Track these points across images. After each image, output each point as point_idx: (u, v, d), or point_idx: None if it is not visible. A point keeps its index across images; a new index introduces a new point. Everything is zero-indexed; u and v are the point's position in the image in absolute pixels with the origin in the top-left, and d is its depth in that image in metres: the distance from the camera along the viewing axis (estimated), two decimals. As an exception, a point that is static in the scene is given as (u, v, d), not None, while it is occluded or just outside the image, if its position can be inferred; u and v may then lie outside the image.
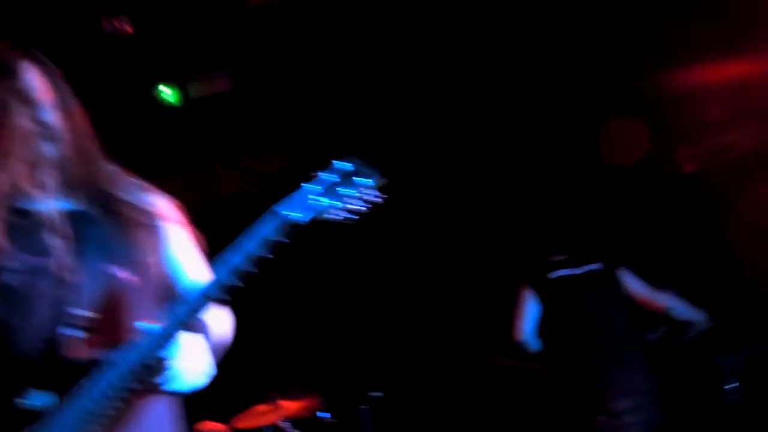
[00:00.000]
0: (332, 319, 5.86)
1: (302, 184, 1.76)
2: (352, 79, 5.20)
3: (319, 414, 5.03)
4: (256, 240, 1.70)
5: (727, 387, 4.81)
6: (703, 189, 5.43)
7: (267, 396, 4.91)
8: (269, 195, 1.82)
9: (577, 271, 4.31)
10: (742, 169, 5.31)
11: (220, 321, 1.96)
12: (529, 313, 4.30)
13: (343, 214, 1.75)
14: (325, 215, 1.74)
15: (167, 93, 5.32)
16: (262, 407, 4.92)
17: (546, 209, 4.96)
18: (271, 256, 1.72)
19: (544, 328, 4.35)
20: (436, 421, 5.90)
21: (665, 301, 4.40)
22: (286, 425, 4.88)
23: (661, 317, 4.63)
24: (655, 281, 4.52)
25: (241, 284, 1.72)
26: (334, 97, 5.31)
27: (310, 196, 1.73)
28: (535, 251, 4.55)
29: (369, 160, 1.78)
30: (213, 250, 1.83)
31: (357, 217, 1.75)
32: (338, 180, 1.73)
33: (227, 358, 1.98)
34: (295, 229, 1.74)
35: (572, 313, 4.22)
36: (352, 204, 1.74)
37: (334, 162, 1.77)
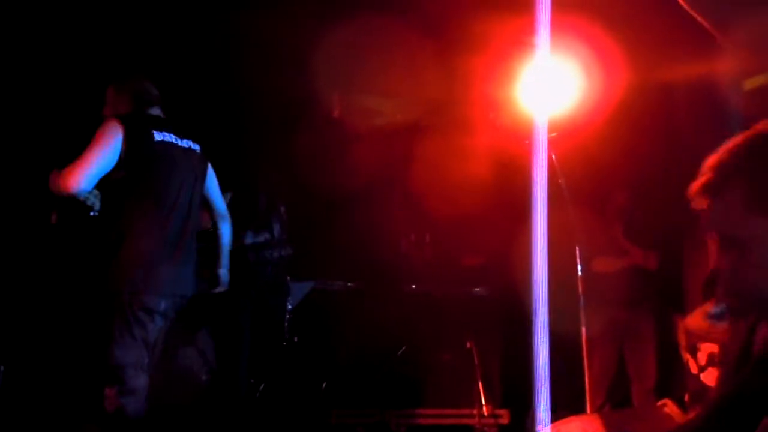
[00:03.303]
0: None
1: None
2: None
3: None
4: None
5: (289, 306, 5.29)
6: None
7: None
8: None
9: (179, 141, 3.69)
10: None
11: None
12: (107, 161, 3.44)
13: None
14: None
15: None
16: None
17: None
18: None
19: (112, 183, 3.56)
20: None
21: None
22: None
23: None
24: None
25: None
26: None
27: None
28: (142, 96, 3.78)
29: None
30: None
31: None
32: None
33: None
34: None
35: (159, 183, 3.58)
36: None
37: None
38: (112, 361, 3.41)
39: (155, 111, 3.71)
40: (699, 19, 4.42)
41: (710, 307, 3.54)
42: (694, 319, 3.65)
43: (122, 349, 3.42)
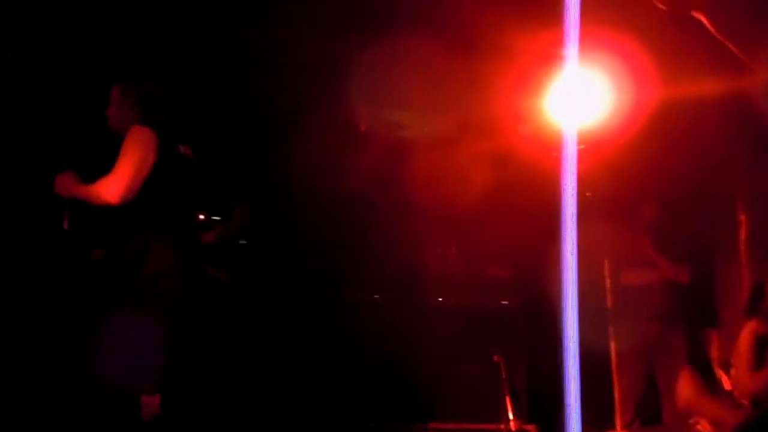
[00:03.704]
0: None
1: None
2: None
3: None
4: None
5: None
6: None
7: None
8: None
9: (189, 152, 3.83)
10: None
11: None
12: (147, 170, 3.50)
13: None
14: None
15: None
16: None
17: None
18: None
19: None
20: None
21: None
22: None
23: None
24: None
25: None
26: None
27: None
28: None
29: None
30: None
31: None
32: None
33: None
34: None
35: (179, 193, 3.68)
36: None
37: None
38: (147, 370, 3.43)
39: (163, 117, 3.70)
40: (726, 43, 4.41)
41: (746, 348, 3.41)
42: (742, 384, 3.53)
43: (150, 356, 3.43)
